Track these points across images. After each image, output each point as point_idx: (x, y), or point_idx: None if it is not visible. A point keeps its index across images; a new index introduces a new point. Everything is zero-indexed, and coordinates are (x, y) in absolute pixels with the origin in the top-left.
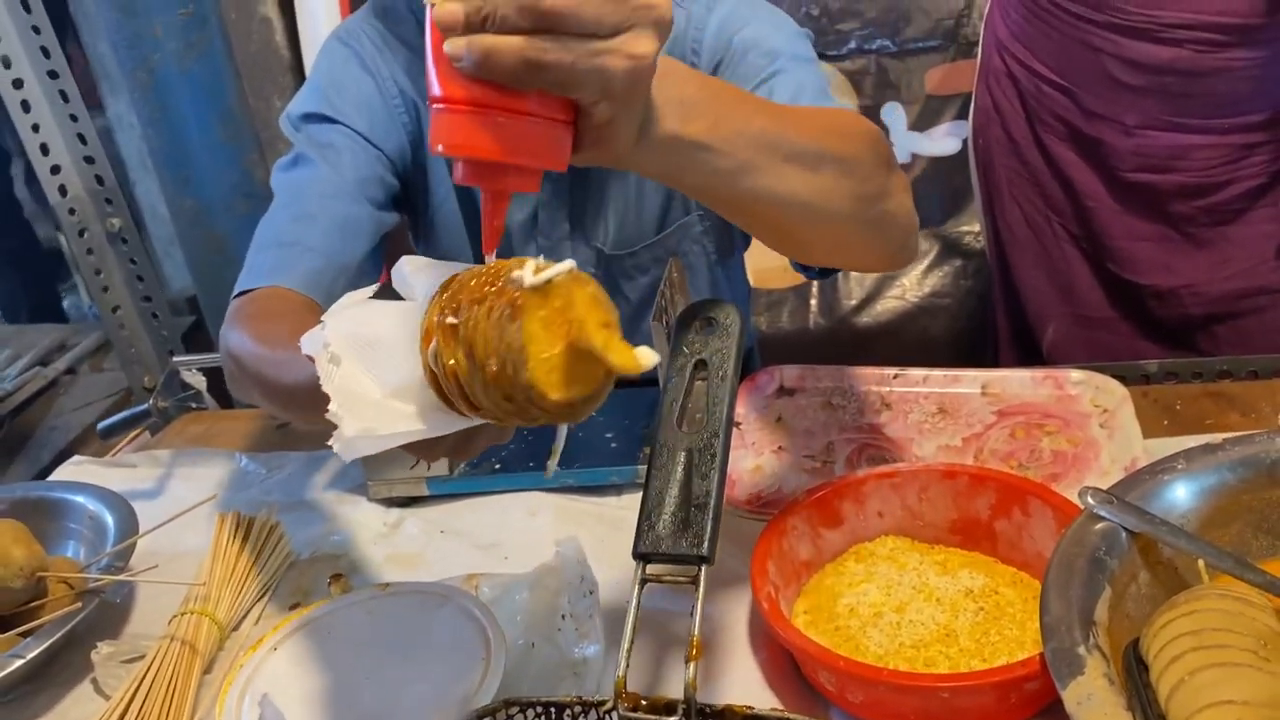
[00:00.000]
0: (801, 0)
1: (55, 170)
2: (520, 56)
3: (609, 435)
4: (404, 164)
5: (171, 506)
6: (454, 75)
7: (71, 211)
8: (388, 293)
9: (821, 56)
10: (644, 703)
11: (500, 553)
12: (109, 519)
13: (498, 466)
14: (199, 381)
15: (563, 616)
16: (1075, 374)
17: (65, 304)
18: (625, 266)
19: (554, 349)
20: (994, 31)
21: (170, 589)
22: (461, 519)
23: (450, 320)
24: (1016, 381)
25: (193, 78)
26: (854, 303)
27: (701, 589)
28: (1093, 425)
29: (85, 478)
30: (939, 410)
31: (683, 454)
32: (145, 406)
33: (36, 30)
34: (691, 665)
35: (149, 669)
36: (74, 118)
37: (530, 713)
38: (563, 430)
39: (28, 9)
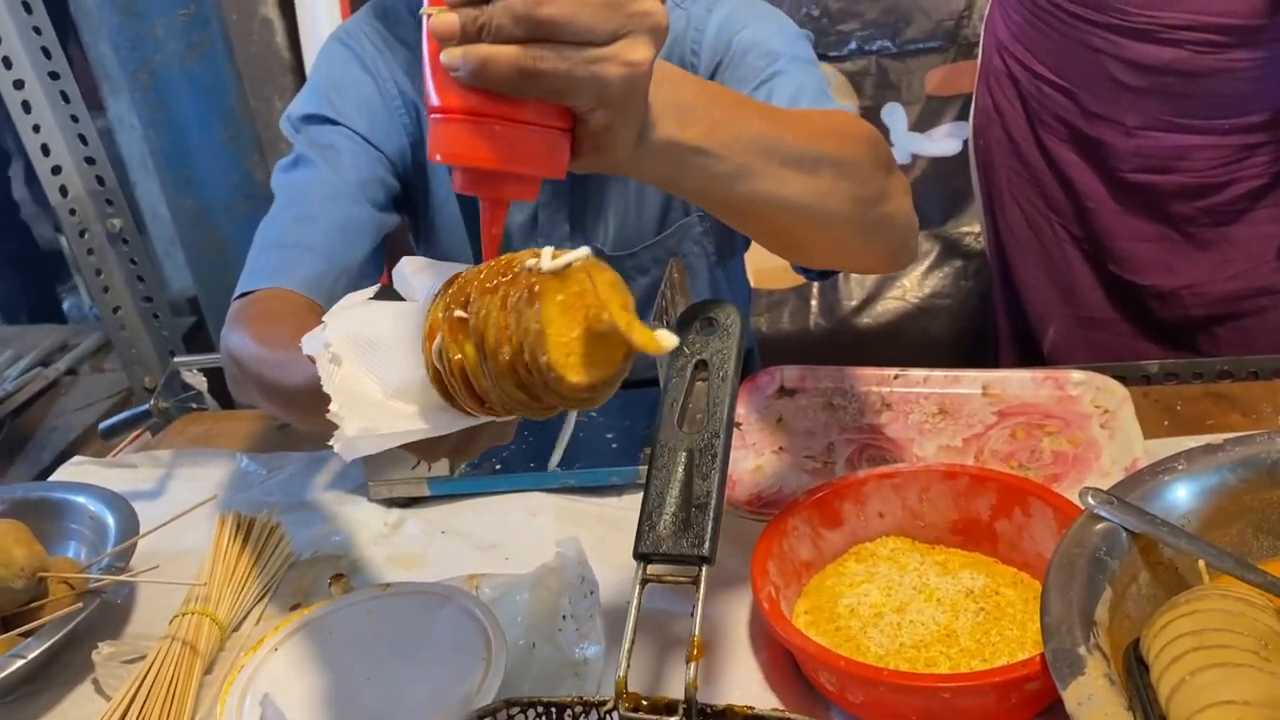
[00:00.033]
0: (802, 1)
1: (56, 171)
2: (516, 65)
3: (609, 436)
4: (404, 165)
5: (172, 507)
6: (451, 84)
7: (72, 212)
8: (389, 294)
9: (822, 57)
10: (645, 703)
11: (501, 553)
12: (110, 519)
13: (498, 467)
14: (200, 382)
15: (563, 617)
16: (1076, 374)
17: (65, 305)
18: (625, 267)
19: (573, 332)
20: (994, 32)
21: (171, 589)
22: (462, 519)
23: (458, 314)
24: (1017, 382)
25: (194, 78)
26: (854, 303)
27: (702, 589)
28: (1093, 426)
29: (86, 478)
30: (939, 411)
31: (683, 454)
32: (146, 407)
33: (38, 31)
34: (692, 665)
35: (150, 669)
36: (75, 118)
37: (531, 713)
38: (568, 426)
39: (29, 10)
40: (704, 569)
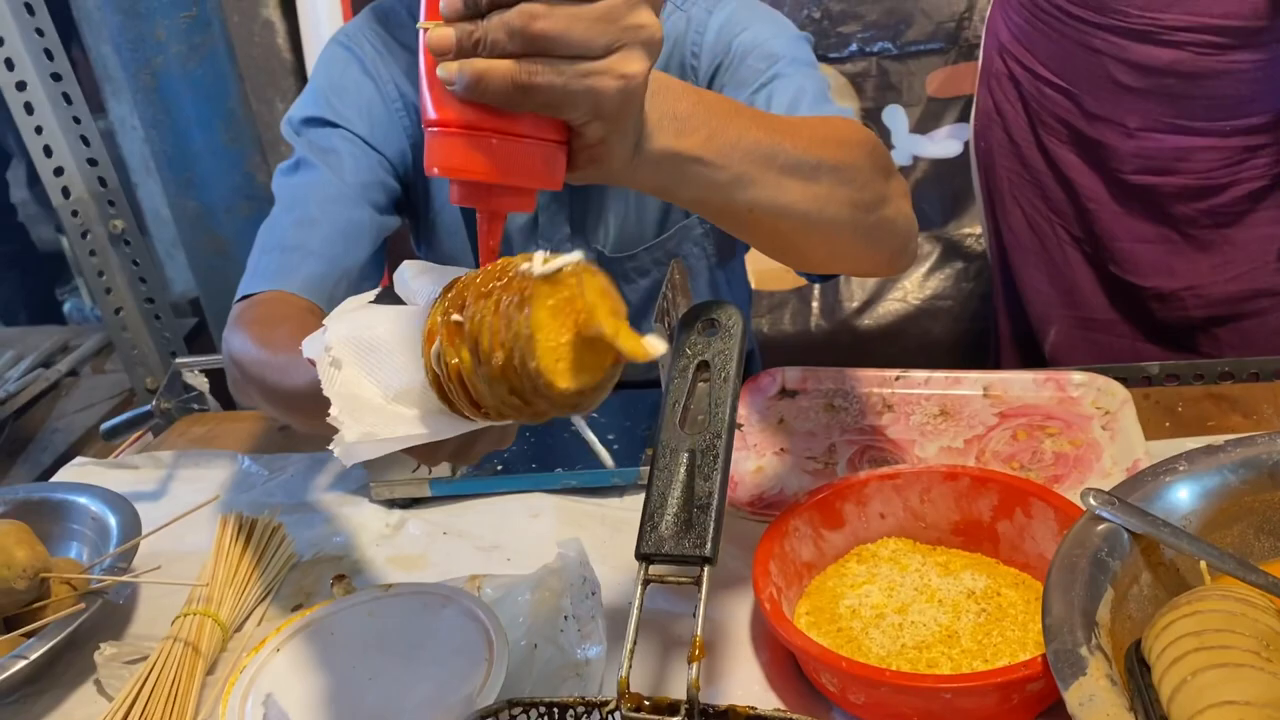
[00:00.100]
0: (803, 3)
1: (58, 172)
2: (511, 79)
3: (611, 437)
4: (405, 167)
5: (174, 508)
6: (447, 98)
7: (74, 213)
8: (389, 296)
9: (823, 59)
10: (647, 703)
11: (502, 554)
12: (112, 520)
13: (500, 468)
14: (201, 383)
15: (565, 618)
16: (1077, 376)
17: (66, 307)
18: (625, 269)
19: (562, 337)
20: (995, 34)
21: (173, 590)
22: (464, 520)
23: (455, 318)
24: (1018, 383)
25: (195, 80)
26: (856, 305)
27: (704, 590)
28: (1094, 427)
29: (88, 479)
30: (941, 412)
31: (685, 455)
32: (148, 408)
33: (40, 33)
34: (694, 666)
35: (152, 670)
36: (77, 120)
37: (533, 713)
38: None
39: (31, 12)
40: (706, 569)
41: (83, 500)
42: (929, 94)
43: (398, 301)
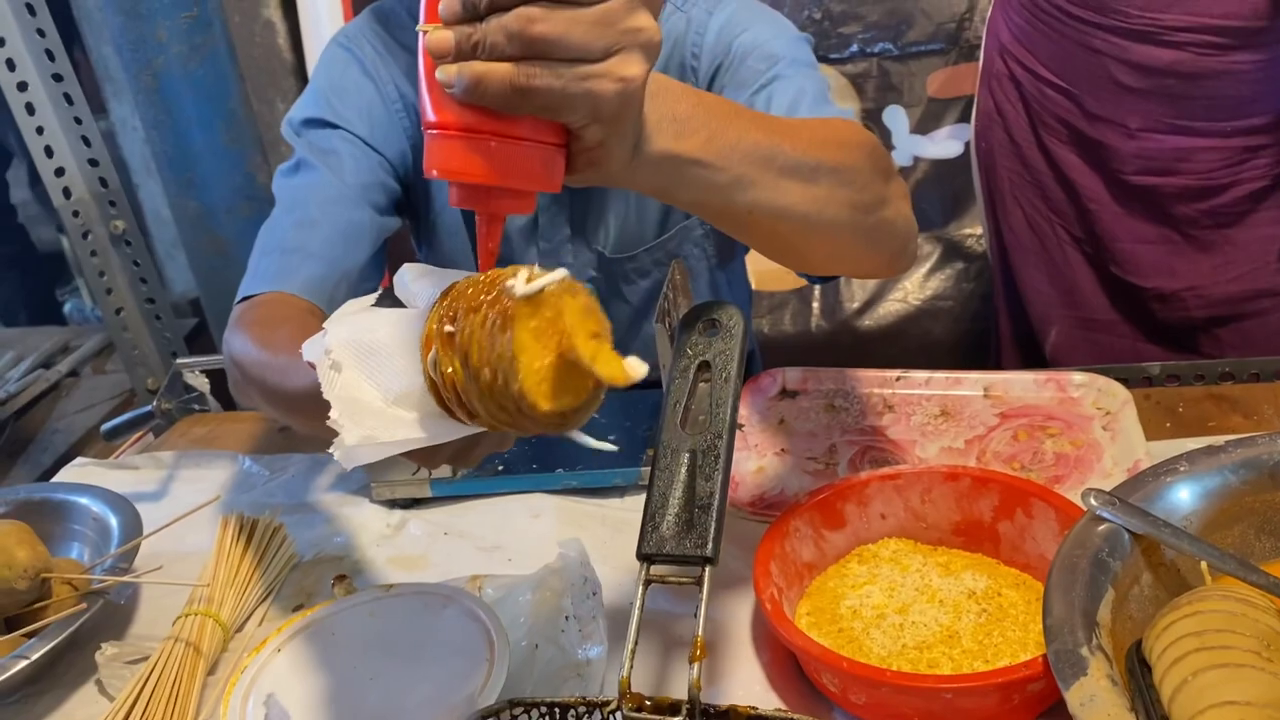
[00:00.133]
0: (804, 3)
1: (59, 173)
2: (509, 82)
3: (612, 437)
4: (405, 168)
5: (175, 508)
6: (446, 100)
7: (75, 214)
8: (390, 297)
9: (823, 60)
10: (648, 703)
11: (503, 554)
12: (113, 520)
13: (501, 468)
14: (202, 383)
15: (566, 618)
16: (1078, 376)
17: (66, 308)
18: (626, 270)
19: (544, 359)
20: (996, 35)
21: (174, 590)
22: (465, 520)
23: (448, 328)
24: (1019, 384)
25: (196, 81)
26: (856, 305)
27: (705, 590)
28: (1095, 427)
29: (89, 479)
30: (941, 412)
31: (686, 455)
32: (148, 408)
33: (41, 33)
34: (695, 666)
35: (153, 670)
36: (78, 120)
37: (534, 713)
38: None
39: (33, 12)
40: (707, 570)
41: (84, 501)
42: (930, 94)
43: (398, 303)
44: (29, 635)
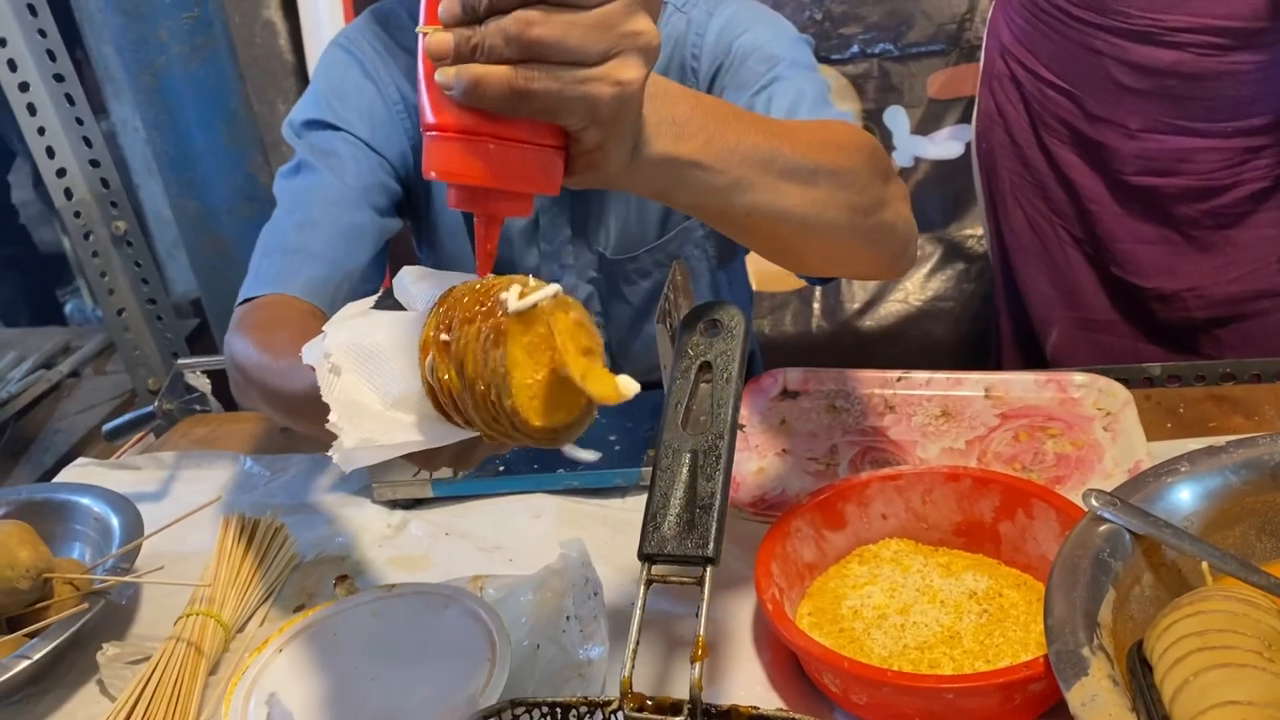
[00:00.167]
0: (804, 4)
1: (61, 173)
2: (508, 85)
3: (613, 438)
4: (406, 169)
5: (176, 508)
6: (445, 103)
7: (77, 214)
8: (390, 299)
9: (824, 61)
10: (649, 703)
11: (505, 554)
12: (114, 521)
13: (502, 469)
14: (203, 384)
15: (567, 618)
16: (1078, 377)
17: (67, 309)
18: (627, 271)
19: (536, 375)
20: (997, 35)
21: (175, 590)
22: (466, 521)
23: (444, 337)
24: (1019, 384)
25: (197, 81)
26: (857, 306)
27: (707, 590)
28: (1096, 428)
29: (90, 480)
30: (942, 413)
31: (688, 456)
32: (150, 409)
33: (43, 34)
34: (697, 666)
35: (154, 670)
36: (80, 121)
37: (536, 713)
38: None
39: (34, 13)
40: (708, 570)
41: (85, 501)
42: (930, 95)
43: (398, 305)
44: (31, 635)
